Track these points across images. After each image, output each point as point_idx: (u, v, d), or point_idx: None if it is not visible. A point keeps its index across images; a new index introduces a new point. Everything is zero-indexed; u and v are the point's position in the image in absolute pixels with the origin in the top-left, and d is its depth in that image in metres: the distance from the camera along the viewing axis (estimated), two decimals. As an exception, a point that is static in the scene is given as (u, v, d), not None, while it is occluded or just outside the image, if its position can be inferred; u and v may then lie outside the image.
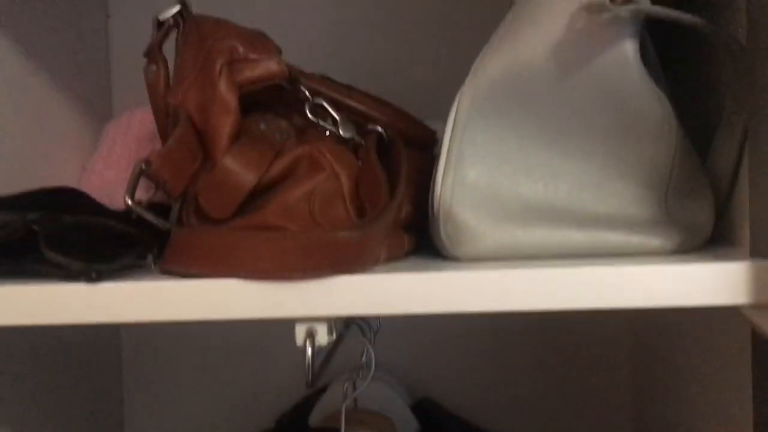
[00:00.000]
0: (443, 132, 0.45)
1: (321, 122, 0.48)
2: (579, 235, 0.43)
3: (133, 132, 0.64)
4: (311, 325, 0.40)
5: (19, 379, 0.61)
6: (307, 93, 0.48)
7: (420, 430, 0.73)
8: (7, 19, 0.61)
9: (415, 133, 0.53)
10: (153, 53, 0.46)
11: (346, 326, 0.56)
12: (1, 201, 0.44)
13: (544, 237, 0.44)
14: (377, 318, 0.64)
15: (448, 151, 0.44)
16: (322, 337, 0.40)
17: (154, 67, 0.46)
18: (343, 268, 0.39)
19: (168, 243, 0.43)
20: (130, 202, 0.41)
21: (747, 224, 0.41)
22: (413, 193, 0.48)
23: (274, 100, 0.48)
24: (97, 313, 0.40)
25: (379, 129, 0.49)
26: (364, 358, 0.61)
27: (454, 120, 0.44)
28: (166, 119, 0.46)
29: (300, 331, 0.40)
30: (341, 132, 0.47)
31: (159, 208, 0.44)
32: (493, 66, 0.43)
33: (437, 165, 0.45)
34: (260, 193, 0.43)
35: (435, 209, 0.44)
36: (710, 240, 0.45)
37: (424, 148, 0.54)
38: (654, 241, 0.43)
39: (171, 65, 0.47)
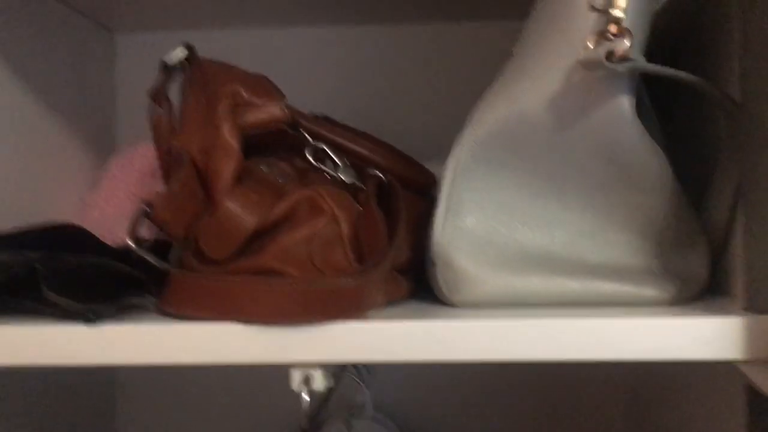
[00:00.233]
0: (442, 175, 0.45)
1: (322, 166, 0.48)
2: (574, 284, 0.44)
3: (134, 167, 0.65)
4: (307, 370, 0.40)
5: (11, 418, 0.61)
6: (308, 136, 0.48)
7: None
8: (12, 55, 0.61)
9: (414, 176, 0.53)
10: (158, 95, 0.47)
11: (341, 368, 0.56)
12: (3, 238, 0.44)
13: (540, 285, 0.44)
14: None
15: (447, 197, 0.45)
16: (319, 382, 0.40)
17: (158, 109, 0.47)
18: (342, 315, 0.39)
19: (167, 283, 0.43)
20: (132, 245, 0.42)
21: (742, 275, 0.41)
22: (411, 238, 0.48)
23: (276, 142, 0.48)
24: (94, 355, 0.40)
25: (379, 174, 0.49)
26: (358, 398, 0.61)
27: (453, 167, 0.45)
28: (168, 160, 0.47)
29: (296, 377, 0.40)
30: (342, 176, 0.48)
31: (162, 245, 0.45)
32: (491, 116, 0.44)
33: (435, 211, 0.45)
34: (260, 234, 0.44)
35: (432, 255, 0.45)
36: (705, 289, 0.45)
37: (424, 191, 0.55)
38: (649, 292, 0.43)
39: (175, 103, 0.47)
